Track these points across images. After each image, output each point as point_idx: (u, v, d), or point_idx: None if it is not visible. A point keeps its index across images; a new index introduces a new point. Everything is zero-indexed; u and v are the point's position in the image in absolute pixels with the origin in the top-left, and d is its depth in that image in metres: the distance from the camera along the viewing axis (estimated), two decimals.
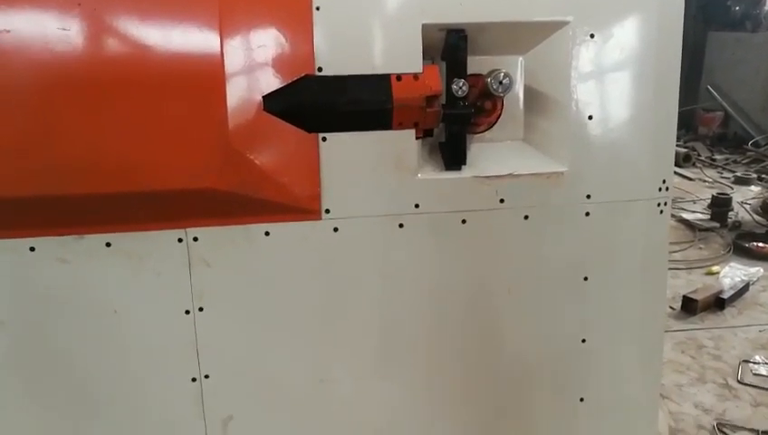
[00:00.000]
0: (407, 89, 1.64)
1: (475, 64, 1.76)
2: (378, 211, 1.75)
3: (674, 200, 2.01)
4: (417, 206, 1.76)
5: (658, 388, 2.23)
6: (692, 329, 4.26)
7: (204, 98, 1.56)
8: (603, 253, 1.91)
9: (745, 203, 7.00)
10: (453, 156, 1.77)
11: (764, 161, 9.00)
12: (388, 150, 1.70)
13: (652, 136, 1.88)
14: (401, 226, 1.77)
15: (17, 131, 1.49)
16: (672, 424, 3.10)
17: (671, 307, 4.50)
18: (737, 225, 6.30)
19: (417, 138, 1.72)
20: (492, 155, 1.84)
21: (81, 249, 1.65)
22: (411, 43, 1.65)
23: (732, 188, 7.74)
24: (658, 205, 1.93)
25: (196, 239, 1.69)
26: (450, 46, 1.70)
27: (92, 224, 1.64)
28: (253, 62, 1.60)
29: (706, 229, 6.22)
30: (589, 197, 1.84)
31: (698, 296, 4.53)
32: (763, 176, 8.30)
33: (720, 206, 6.52)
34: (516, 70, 1.85)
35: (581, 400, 2.02)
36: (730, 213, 6.49)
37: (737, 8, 10.54)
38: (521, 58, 1.86)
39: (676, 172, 7.20)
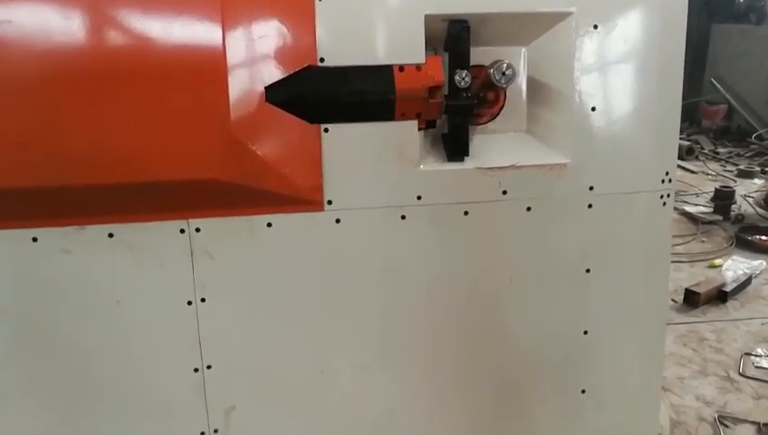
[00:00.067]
0: (409, 80, 1.63)
1: (478, 55, 1.75)
2: (380, 202, 1.75)
3: (677, 193, 2.01)
4: (419, 197, 1.76)
5: (660, 380, 2.23)
6: (694, 322, 4.26)
7: (206, 88, 1.55)
8: (606, 245, 1.91)
9: (748, 196, 6.98)
10: (455, 147, 1.77)
11: None
12: (391, 142, 1.70)
13: (655, 127, 1.87)
14: (403, 217, 1.77)
15: (19, 122, 1.49)
16: (673, 416, 3.11)
17: (673, 300, 4.50)
18: (740, 218, 6.29)
19: (419, 129, 1.72)
20: (494, 146, 1.83)
21: (84, 240, 1.66)
22: (414, 34, 1.64)
23: (735, 181, 7.72)
24: (661, 197, 1.92)
25: (198, 230, 1.69)
26: (453, 37, 1.69)
27: (94, 215, 1.64)
28: (255, 53, 1.59)
29: (709, 222, 6.22)
30: (591, 188, 1.84)
31: (701, 289, 4.52)
32: (767, 169, 8.27)
33: (723, 199, 6.50)
34: (519, 61, 1.85)
35: (583, 391, 2.03)
36: (733, 206, 6.48)
37: (741, 0, 10.48)
38: (524, 49, 1.85)
39: (678, 165, 7.19)
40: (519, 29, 1.79)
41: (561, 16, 1.75)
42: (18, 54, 1.46)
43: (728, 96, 10.43)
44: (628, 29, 1.79)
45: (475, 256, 1.85)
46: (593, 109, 1.79)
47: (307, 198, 1.70)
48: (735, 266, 5.10)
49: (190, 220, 1.69)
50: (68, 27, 1.48)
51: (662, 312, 2.15)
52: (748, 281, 4.84)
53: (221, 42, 1.54)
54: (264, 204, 1.69)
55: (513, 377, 1.98)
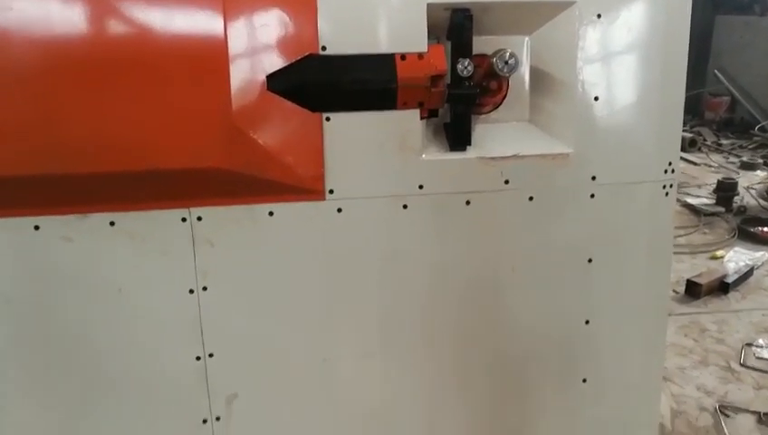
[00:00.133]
0: (411, 68, 1.63)
1: (481, 44, 1.74)
2: (382, 192, 1.75)
3: (679, 185, 2.00)
4: (421, 187, 1.76)
5: (661, 370, 2.23)
6: (695, 313, 4.26)
7: (207, 77, 1.55)
8: (608, 235, 1.91)
9: (751, 188, 6.96)
10: (458, 137, 1.76)
11: None
12: (393, 131, 1.70)
13: (659, 117, 1.87)
14: (405, 207, 1.77)
15: (21, 110, 1.49)
16: (674, 406, 3.12)
17: (675, 291, 4.50)
18: (742, 210, 6.28)
19: (421, 118, 1.71)
20: (497, 136, 1.83)
21: (85, 228, 1.66)
22: (416, 23, 1.63)
23: (738, 173, 7.70)
24: (664, 187, 1.92)
25: (200, 219, 1.69)
26: (455, 26, 1.69)
27: (96, 203, 1.64)
28: (256, 41, 1.58)
29: (711, 214, 6.21)
30: (594, 178, 1.84)
31: (702, 280, 4.52)
32: None
33: (725, 190, 6.49)
34: (522, 50, 1.84)
35: (584, 381, 2.03)
36: (735, 198, 6.47)
37: None
38: (527, 38, 1.84)
39: (681, 157, 7.17)
40: (522, 18, 1.78)
41: (564, 5, 1.74)
42: (20, 42, 1.45)
43: (731, 88, 10.38)
44: (631, 19, 1.78)
45: (477, 246, 1.85)
46: (596, 98, 1.79)
47: (309, 188, 1.70)
48: (737, 258, 5.09)
49: (192, 209, 1.69)
50: (70, 15, 1.47)
51: (664, 302, 2.15)
52: (750, 272, 4.84)
53: (222, 30, 1.53)
54: (266, 193, 1.69)
55: (515, 366, 1.99)
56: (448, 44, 1.73)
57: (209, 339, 1.79)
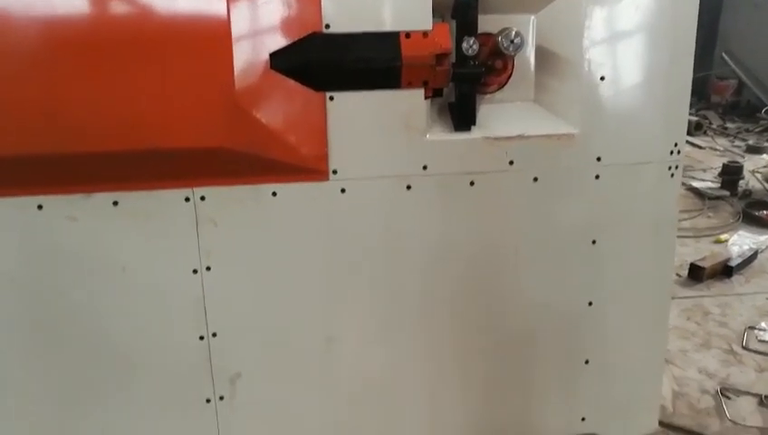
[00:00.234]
0: (416, 47, 1.61)
1: (486, 23, 1.72)
2: (385, 172, 1.74)
3: (684, 169, 1.98)
4: (425, 167, 1.75)
5: (663, 352, 2.24)
6: (698, 296, 4.25)
7: (210, 55, 1.54)
8: (612, 216, 1.90)
9: (757, 172, 6.91)
10: (462, 116, 1.75)
11: None
12: (397, 110, 1.68)
13: (665, 98, 1.85)
14: (409, 187, 1.76)
15: (24, 90, 1.48)
16: (676, 388, 3.12)
17: (678, 275, 4.49)
18: (747, 193, 6.24)
19: (426, 97, 1.70)
20: (502, 116, 1.81)
21: (89, 207, 1.66)
22: (421, 0, 1.62)
23: (743, 157, 7.65)
24: (669, 168, 1.91)
25: (203, 199, 1.69)
26: (461, 4, 1.66)
27: (100, 182, 1.64)
28: (259, 20, 1.57)
29: (716, 198, 6.17)
30: (599, 159, 1.82)
31: (706, 264, 4.50)
32: None
33: (731, 174, 6.45)
34: (528, 29, 1.82)
35: (587, 362, 2.04)
36: (740, 181, 6.43)
37: None
38: (533, 17, 1.82)
39: (686, 141, 7.09)
40: None
41: None
42: (23, 22, 1.45)
43: (739, 71, 10.28)
44: None
45: (481, 227, 1.84)
46: (602, 78, 1.77)
47: (312, 168, 1.69)
48: (741, 241, 5.07)
49: (195, 189, 1.68)
50: None
51: (667, 284, 2.15)
52: (754, 256, 4.82)
53: (225, 8, 1.52)
54: (269, 173, 1.68)
55: (518, 347, 1.99)
56: (453, 23, 1.71)
57: (213, 318, 1.79)
